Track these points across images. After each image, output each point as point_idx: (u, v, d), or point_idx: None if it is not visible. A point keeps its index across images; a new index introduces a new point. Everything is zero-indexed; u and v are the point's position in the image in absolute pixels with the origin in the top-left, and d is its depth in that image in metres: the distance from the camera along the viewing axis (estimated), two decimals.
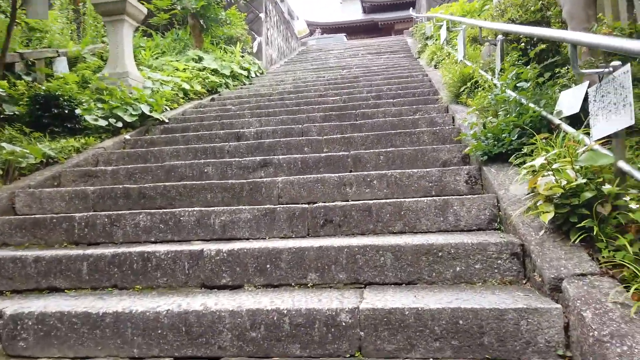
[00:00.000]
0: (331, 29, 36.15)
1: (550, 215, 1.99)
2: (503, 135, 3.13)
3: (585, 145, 2.31)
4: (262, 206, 3.03)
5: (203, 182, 3.67)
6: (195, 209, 3.08)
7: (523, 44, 4.27)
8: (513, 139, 2.99)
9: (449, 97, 5.27)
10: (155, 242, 3.04)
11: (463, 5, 9.86)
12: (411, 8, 19.03)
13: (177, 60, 8.50)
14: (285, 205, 3.00)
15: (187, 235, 3.02)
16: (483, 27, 4.97)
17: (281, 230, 2.93)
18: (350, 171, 3.87)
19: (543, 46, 3.93)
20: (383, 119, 5.01)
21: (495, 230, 2.70)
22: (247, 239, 2.94)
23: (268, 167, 4.00)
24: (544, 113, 3.01)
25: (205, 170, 4.08)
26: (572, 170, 2.12)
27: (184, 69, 7.89)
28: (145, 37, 10.05)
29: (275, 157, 4.02)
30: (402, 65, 9.41)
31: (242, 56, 10.20)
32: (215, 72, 8.48)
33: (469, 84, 4.89)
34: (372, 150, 3.91)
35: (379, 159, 3.85)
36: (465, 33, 6.36)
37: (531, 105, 3.16)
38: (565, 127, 2.73)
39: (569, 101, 3.08)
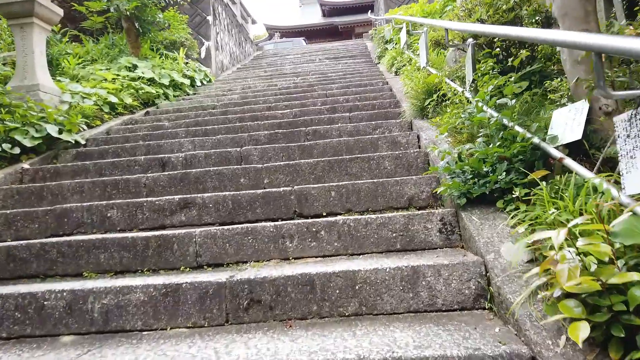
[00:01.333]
0: (291, 32, 35.35)
1: (584, 335, 1.24)
2: (484, 169, 2.40)
3: (612, 200, 1.59)
4: (163, 281, 2.16)
5: (98, 235, 2.77)
6: (67, 286, 2.17)
7: (498, 49, 3.59)
8: (500, 177, 2.26)
9: (412, 110, 4.56)
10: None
11: (423, 6, 9.29)
12: (369, 11, 18.50)
13: (107, 69, 7.45)
14: (195, 279, 2.14)
15: (52, 329, 2.11)
16: (450, 29, 4.28)
17: (188, 316, 2.07)
18: (295, 212, 3.06)
19: (526, 52, 3.25)
20: (337, 139, 4.23)
21: (484, 310, 1.95)
22: (140, 330, 2.07)
23: (190, 209, 3.13)
24: (536, 140, 2.30)
25: (109, 215, 3.17)
26: (606, 245, 1.38)
27: (113, 79, 6.87)
28: (75, 43, 8.93)
29: (200, 195, 3.15)
30: (360, 72, 8.71)
31: (187, 63, 9.23)
32: (152, 81, 7.49)
33: (435, 97, 4.18)
34: (321, 185, 3.11)
35: (330, 195, 3.06)
36: (428, 36, 5.69)
37: (519, 129, 2.45)
38: (572, 164, 2.01)
39: (565, 123, 2.39)
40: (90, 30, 9.71)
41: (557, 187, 1.97)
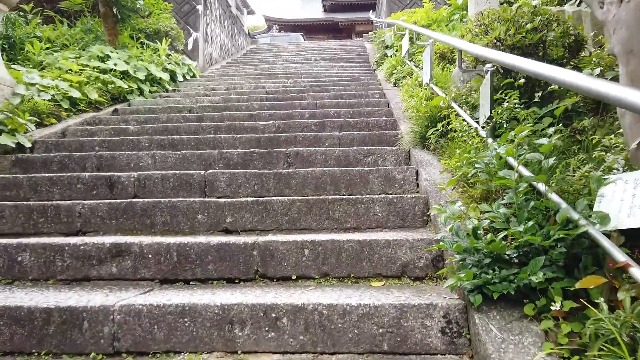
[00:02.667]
0: (290, 26, 34.49)
1: None
2: (508, 253, 1.76)
3: None
4: None
5: None
6: None
7: (523, 79, 2.94)
8: (534, 277, 1.61)
9: (411, 137, 3.91)
10: None
11: (428, 12, 8.63)
12: (371, 10, 17.80)
13: (77, 57, 6.70)
14: None
15: None
16: (466, 52, 3.62)
17: None
18: (257, 271, 2.41)
19: (575, 98, 2.62)
20: (321, 168, 3.58)
21: None
22: None
23: (124, 258, 2.46)
24: (590, 230, 1.65)
25: (19, 259, 2.48)
26: None
27: (80, 69, 6.12)
28: (51, 25, 8.14)
29: (137, 242, 2.47)
30: (357, 79, 8.04)
31: (169, 55, 8.48)
32: (126, 75, 6.75)
33: (440, 127, 3.54)
34: (293, 239, 2.45)
35: (303, 254, 2.40)
36: (433, 49, 5.04)
37: (557, 200, 1.81)
38: None
39: (621, 199, 1.76)
40: (69, 12, 8.91)
41: (621, 317, 1.33)
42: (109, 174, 3.55)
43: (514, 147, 2.06)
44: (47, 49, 7.00)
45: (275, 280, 2.40)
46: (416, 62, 6.59)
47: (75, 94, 5.60)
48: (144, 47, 8.46)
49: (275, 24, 35.08)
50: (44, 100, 5.13)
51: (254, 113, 5.50)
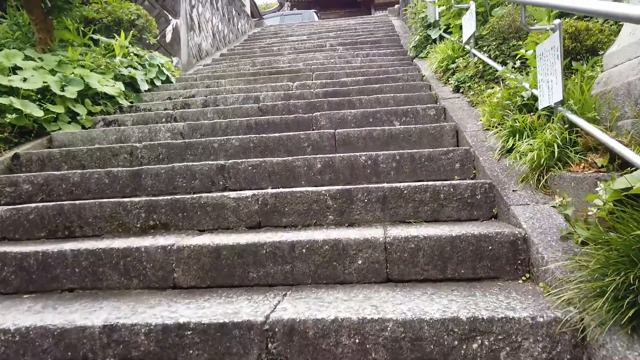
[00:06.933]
0: (303, 2, 31.60)
1: None
2: None
3: None
4: None
5: None
6: None
7: None
8: None
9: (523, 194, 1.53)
10: None
11: None
12: None
13: None
14: None
15: None
16: None
17: None
18: None
19: None
20: None
21: None
22: None
23: None
24: None
25: None
26: None
27: None
28: None
29: None
30: (393, 77, 5.55)
31: (127, 55, 6.14)
32: (46, 93, 4.47)
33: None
34: None
35: None
36: (561, 36, 2.55)
37: None
38: None
39: None
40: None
41: None
42: None
43: None
44: None
45: None
46: (496, 56, 4.08)
47: None
48: (98, 44, 6.18)
49: (287, 1, 32.26)
50: None
51: (228, 164, 3.16)
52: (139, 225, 2.67)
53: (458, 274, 2.00)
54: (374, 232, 2.18)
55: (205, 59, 9.09)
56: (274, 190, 2.67)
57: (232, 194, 2.65)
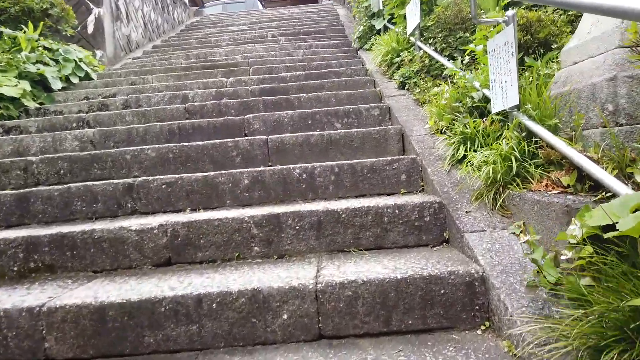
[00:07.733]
0: None
1: None
2: None
3: None
4: None
5: None
6: None
7: None
8: None
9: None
10: None
11: None
12: None
13: None
14: None
15: None
16: None
17: None
18: None
19: None
20: None
21: None
22: None
23: None
24: None
25: None
26: None
27: None
28: None
29: None
30: (335, 71, 5.15)
31: (36, 50, 5.37)
32: None
33: None
34: None
35: None
36: (516, 30, 2.22)
37: None
38: None
39: None
40: None
41: None
42: None
43: None
44: None
45: None
46: (432, 43, 3.76)
47: None
48: (1, 37, 5.36)
49: None
50: None
51: (137, 182, 2.65)
52: (15, 269, 2.13)
53: (405, 325, 1.63)
54: (305, 273, 1.78)
55: (135, 51, 8.31)
56: (187, 219, 2.20)
57: (134, 226, 2.16)
